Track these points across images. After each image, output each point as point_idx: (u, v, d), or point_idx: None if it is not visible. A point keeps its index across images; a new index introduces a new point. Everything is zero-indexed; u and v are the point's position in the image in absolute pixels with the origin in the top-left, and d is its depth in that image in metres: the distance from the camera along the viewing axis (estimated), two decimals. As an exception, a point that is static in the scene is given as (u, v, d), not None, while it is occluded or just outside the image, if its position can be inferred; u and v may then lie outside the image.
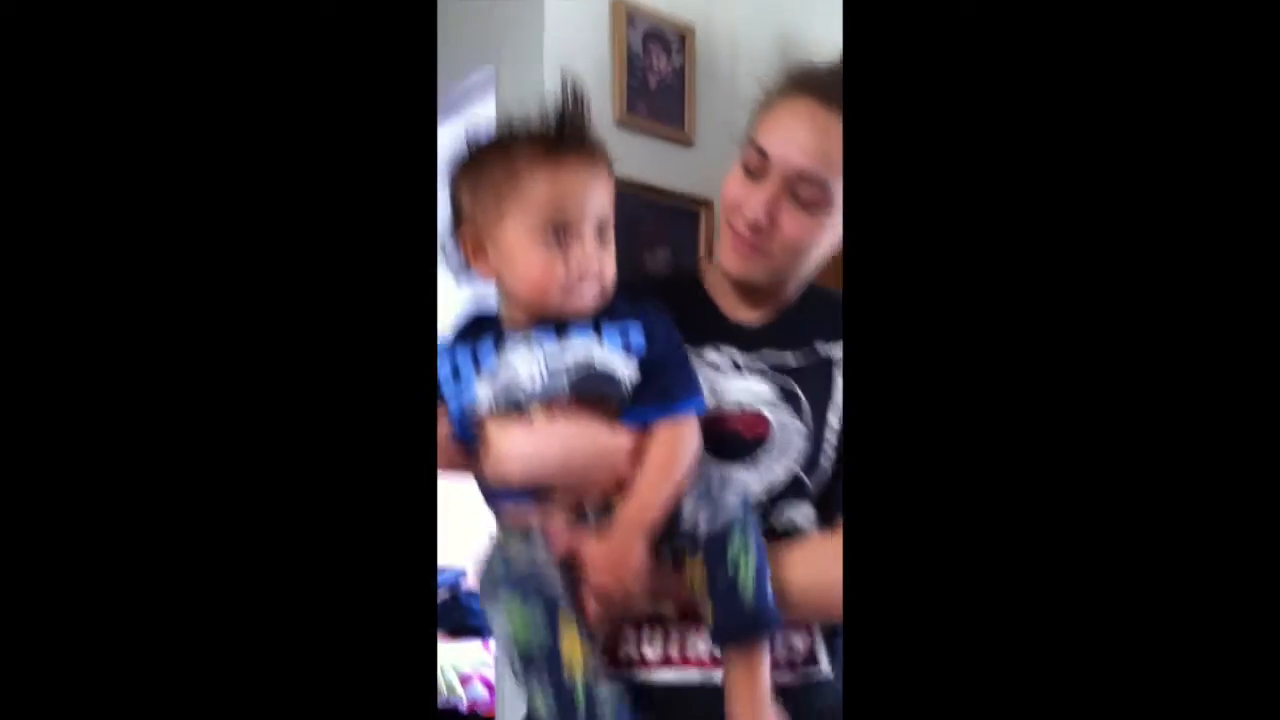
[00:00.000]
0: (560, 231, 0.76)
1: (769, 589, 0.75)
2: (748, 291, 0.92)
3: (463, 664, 3.03)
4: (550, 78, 1.87)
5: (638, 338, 0.80)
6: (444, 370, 0.82)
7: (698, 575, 0.74)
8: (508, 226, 0.77)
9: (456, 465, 0.80)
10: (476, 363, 0.80)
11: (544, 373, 0.77)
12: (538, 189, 0.76)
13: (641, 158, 1.97)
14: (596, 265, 0.78)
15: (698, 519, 0.74)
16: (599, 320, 0.80)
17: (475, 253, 0.81)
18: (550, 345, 0.78)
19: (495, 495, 0.82)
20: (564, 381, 0.77)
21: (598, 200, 0.78)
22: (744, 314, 0.93)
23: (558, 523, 0.78)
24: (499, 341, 0.80)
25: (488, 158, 0.80)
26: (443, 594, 3.35)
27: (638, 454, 0.77)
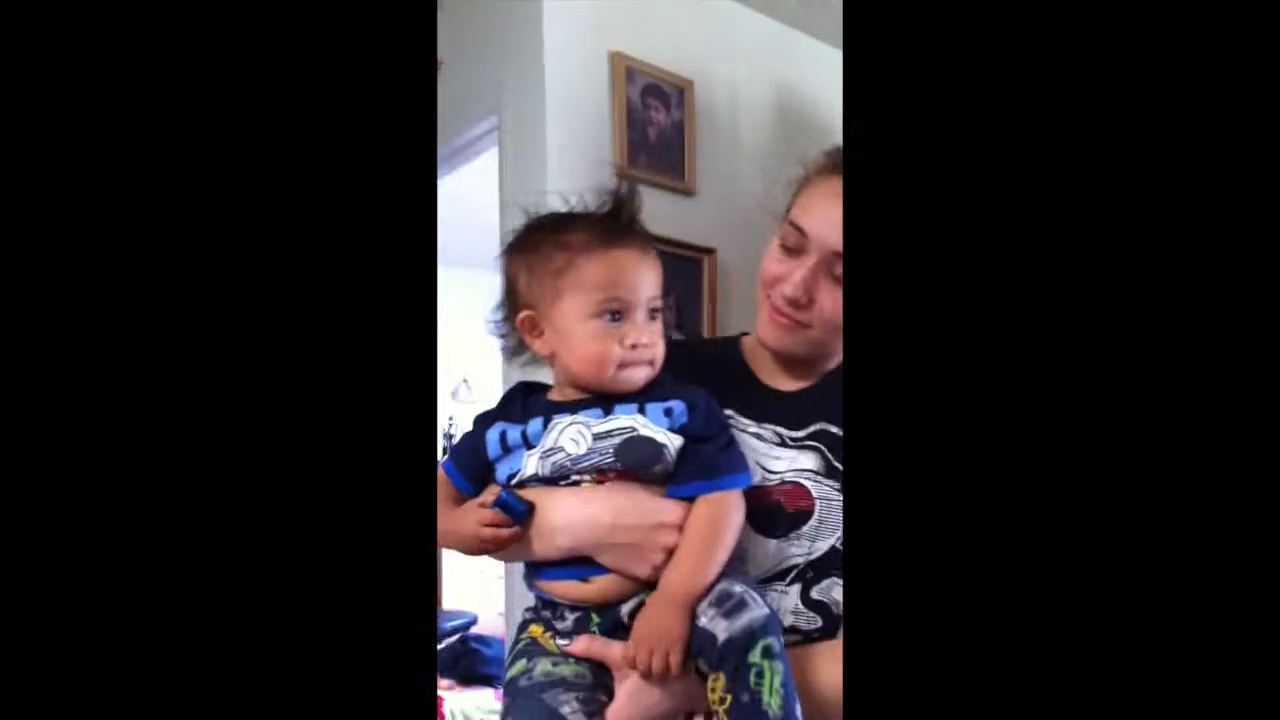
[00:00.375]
0: (615, 313, 0.79)
1: (796, 705, 0.71)
2: (786, 362, 0.94)
3: (473, 711, 3.01)
4: (552, 132, 1.91)
5: (681, 414, 0.81)
6: (493, 443, 0.83)
7: (719, 689, 0.71)
8: (565, 307, 0.80)
9: (501, 541, 0.80)
10: (525, 435, 0.82)
11: (591, 443, 0.79)
12: (595, 271, 0.78)
13: (644, 208, 2.00)
14: (650, 346, 0.80)
15: (717, 626, 0.72)
16: (644, 398, 0.81)
17: (530, 331, 0.84)
18: (597, 419, 0.80)
19: (538, 572, 0.83)
20: (611, 451, 0.78)
21: (650, 283, 0.81)
22: (783, 383, 0.95)
23: (584, 638, 0.79)
24: (547, 415, 0.82)
25: (544, 239, 0.82)
26: (453, 640, 3.32)
27: (684, 526, 0.78)
